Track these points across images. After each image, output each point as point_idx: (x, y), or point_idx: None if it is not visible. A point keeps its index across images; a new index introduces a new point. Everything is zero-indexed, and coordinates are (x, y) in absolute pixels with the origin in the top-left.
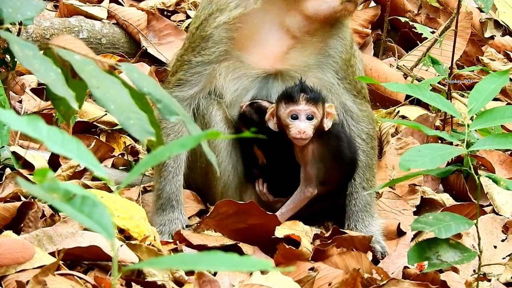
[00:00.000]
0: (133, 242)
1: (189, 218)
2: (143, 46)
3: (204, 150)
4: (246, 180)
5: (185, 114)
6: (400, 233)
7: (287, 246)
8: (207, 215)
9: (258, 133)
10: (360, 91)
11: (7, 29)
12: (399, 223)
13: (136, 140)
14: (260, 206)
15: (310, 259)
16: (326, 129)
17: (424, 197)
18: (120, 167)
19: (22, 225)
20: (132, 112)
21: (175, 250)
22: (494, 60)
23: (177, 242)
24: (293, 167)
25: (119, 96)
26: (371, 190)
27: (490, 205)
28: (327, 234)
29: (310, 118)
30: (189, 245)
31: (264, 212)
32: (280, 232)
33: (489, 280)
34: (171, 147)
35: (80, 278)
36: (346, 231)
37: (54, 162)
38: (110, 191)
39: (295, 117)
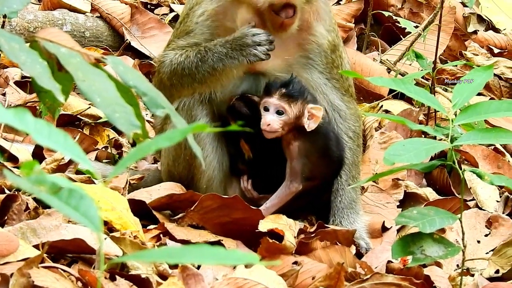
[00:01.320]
0: (116, 234)
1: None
2: (127, 39)
3: (190, 143)
4: (231, 174)
5: (170, 107)
6: (384, 229)
7: (270, 240)
8: (191, 208)
9: (246, 126)
10: (347, 90)
11: None
12: (384, 221)
13: (120, 133)
14: (244, 201)
15: (293, 252)
16: (309, 129)
17: (407, 191)
18: (104, 160)
19: (6, 217)
20: (118, 105)
21: (158, 243)
22: (478, 55)
23: (161, 235)
24: (279, 162)
25: (105, 89)
26: (356, 184)
27: (473, 199)
28: (311, 229)
29: (280, 112)
30: (172, 238)
31: (248, 206)
32: (264, 226)
33: (473, 275)
34: (157, 140)
35: (64, 271)
36: (330, 226)
37: (38, 155)
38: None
39: (266, 109)
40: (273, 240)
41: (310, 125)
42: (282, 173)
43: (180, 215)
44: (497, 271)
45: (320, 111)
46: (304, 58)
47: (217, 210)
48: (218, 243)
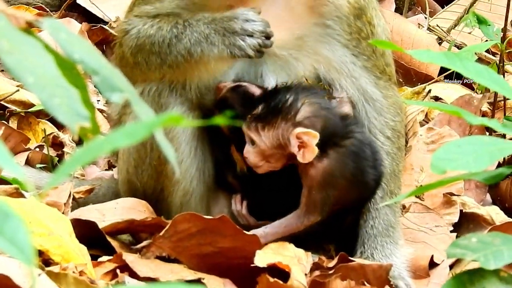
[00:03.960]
0: (54, 269)
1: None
2: None
3: (158, 142)
4: (216, 187)
5: (131, 91)
6: (432, 264)
7: (271, 279)
8: (161, 233)
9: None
10: (383, 70)
11: None
12: (433, 255)
13: (61, 127)
14: (234, 223)
15: None
16: (304, 161)
17: (464, 211)
18: (38, 165)
19: None
20: (59, 88)
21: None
22: None
23: (117, 270)
24: (286, 179)
25: (40, 65)
26: (393, 200)
27: None
28: (330, 264)
29: (252, 142)
30: (133, 275)
31: (240, 231)
32: (262, 258)
33: None
34: (113, 137)
35: None
36: (356, 259)
37: None
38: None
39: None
40: (275, 279)
41: (305, 156)
42: (289, 194)
43: (145, 242)
44: None
45: (314, 137)
46: (320, 26)
47: (197, 236)
48: (198, 282)
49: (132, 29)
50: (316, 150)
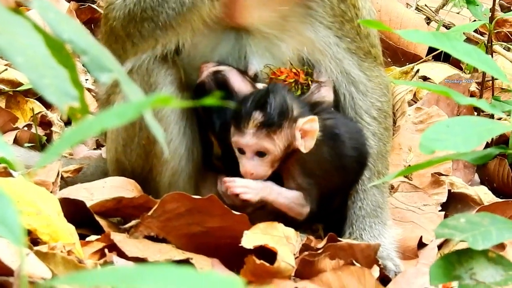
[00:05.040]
0: (43, 248)
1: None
2: None
3: (147, 122)
4: (205, 167)
5: (120, 71)
6: (420, 244)
7: (257, 261)
8: (149, 213)
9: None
10: (368, 52)
11: None
12: (421, 236)
13: (49, 107)
14: (223, 203)
15: (293, 275)
16: (306, 150)
17: (452, 191)
18: (26, 144)
19: None
20: (48, 68)
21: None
22: None
23: (105, 249)
24: None
25: (29, 45)
26: (381, 180)
27: None
28: (320, 245)
29: (260, 154)
30: (122, 255)
31: (229, 211)
32: (249, 240)
33: None
34: (102, 117)
35: None
36: (345, 240)
37: None
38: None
39: (241, 151)
40: (262, 261)
41: (306, 145)
42: (276, 174)
43: (133, 222)
44: None
45: (315, 121)
46: (302, 7)
47: (185, 216)
48: (186, 262)
49: (116, 0)
50: (317, 133)
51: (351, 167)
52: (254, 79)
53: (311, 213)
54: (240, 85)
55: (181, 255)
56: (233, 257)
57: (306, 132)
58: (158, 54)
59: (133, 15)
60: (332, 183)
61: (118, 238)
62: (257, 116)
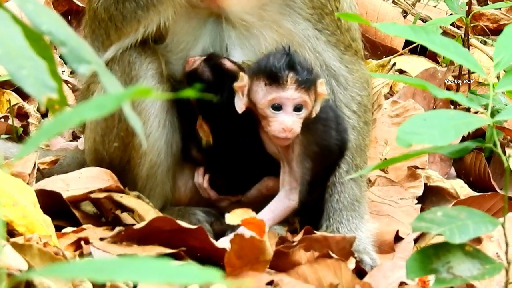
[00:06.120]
0: (19, 240)
1: (104, 219)
2: None
3: (126, 115)
4: (183, 160)
5: (99, 63)
6: (397, 238)
7: (246, 235)
8: (134, 226)
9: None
10: (349, 45)
11: None
12: (398, 230)
13: (25, 98)
14: (208, 235)
15: (268, 268)
16: (314, 114)
17: (429, 184)
18: (2, 136)
19: None
20: (26, 59)
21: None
22: None
23: (82, 242)
24: (250, 153)
25: (8, 36)
26: (357, 174)
27: None
28: (296, 238)
29: (298, 109)
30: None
31: (211, 243)
32: (233, 217)
33: None
34: (81, 109)
35: None
36: (320, 232)
37: None
38: None
39: (278, 107)
40: (251, 235)
41: (316, 108)
42: (253, 169)
43: (116, 230)
44: None
45: (323, 85)
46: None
47: (169, 233)
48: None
49: None
50: (325, 97)
51: (334, 150)
52: (241, 68)
53: (300, 204)
54: (234, 68)
55: (162, 250)
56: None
57: (319, 95)
58: (139, 39)
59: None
60: (318, 169)
61: (98, 244)
62: (293, 73)
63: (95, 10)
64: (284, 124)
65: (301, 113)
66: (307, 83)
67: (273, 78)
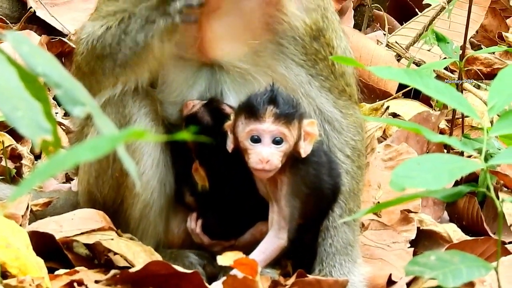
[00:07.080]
0: (11, 281)
1: (96, 261)
2: (30, 7)
3: (120, 156)
4: (176, 201)
5: (93, 105)
6: (390, 282)
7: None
8: (130, 269)
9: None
10: (343, 90)
11: None
12: (391, 274)
13: (19, 140)
14: (203, 280)
15: None
16: (305, 154)
17: (422, 228)
18: None
19: None
20: (21, 100)
21: None
22: None
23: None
24: (244, 198)
25: (3, 77)
26: (350, 218)
27: None
28: (288, 281)
29: (277, 141)
30: None
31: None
32: (225, 258)
33: None
34: (76, 151)
35: None
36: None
37: None
38: None
39: (256, 139)
40: (244, 275)
41: (306, 148)
42: (247, 214)
43: (111, 273)
44: None
45: (314, 126)
46: (274, 44)
47: (164, 277)
48: None
49: (83, 36)
50: (315, 139)
51: (326, 194)
52: None
53: (289, 243)
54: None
55: None
56: None
57: (308, 135)
58: (132, 86)
59: (95, 51)
60: (309, 210)
61: (93, 286)
62: (272, 107)
63: (79, 63)
64: (261, 155)
65: (280, 147)
66: (288, 117)
67: (252, 112)
